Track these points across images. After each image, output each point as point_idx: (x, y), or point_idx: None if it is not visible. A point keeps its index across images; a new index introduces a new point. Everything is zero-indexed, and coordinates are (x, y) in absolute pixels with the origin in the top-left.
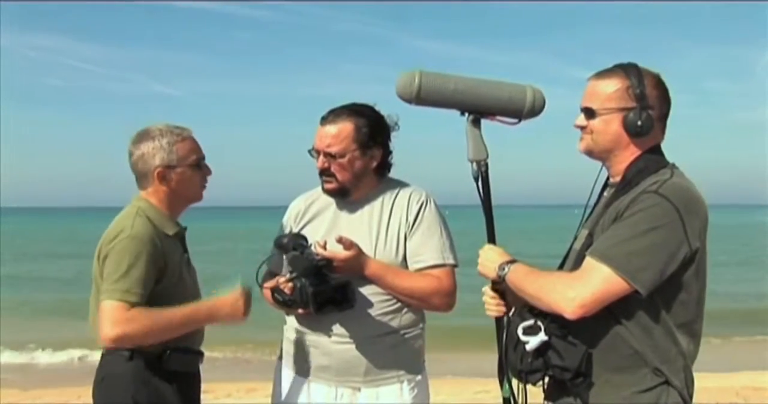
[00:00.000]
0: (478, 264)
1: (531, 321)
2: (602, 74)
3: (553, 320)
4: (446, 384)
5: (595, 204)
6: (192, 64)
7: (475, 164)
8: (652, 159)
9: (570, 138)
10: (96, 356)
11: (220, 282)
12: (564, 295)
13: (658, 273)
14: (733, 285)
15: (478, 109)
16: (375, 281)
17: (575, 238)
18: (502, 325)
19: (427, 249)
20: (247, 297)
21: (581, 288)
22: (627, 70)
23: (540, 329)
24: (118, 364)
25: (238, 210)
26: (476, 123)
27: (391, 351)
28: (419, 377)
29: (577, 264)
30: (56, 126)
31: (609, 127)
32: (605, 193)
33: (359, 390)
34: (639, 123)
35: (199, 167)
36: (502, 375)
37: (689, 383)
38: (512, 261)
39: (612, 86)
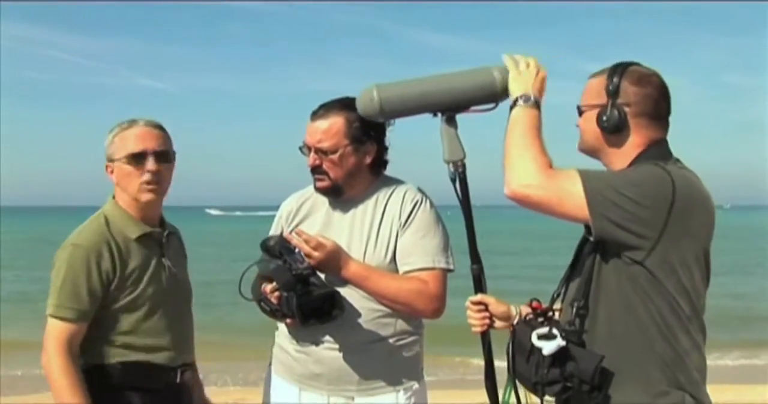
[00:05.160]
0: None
1: (545, 329)
2: (596, 73)
3: (567, 327)
4: (447, 395)
5: None
6: (180, 57)
7: (451, 165)
8: (654, 154)
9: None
10: None
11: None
12: (526, 174)
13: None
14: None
15: (449, 106)
16: (356, 283)
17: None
18: (487, 340)
19: (417, 251)
20: None
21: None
22: (615, 67)
23: (555, 336)
24: None
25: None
26: (451, 121)
27: (386, 359)
28: (416, 385)
29: (587, 274)
30: (33, 121)
31: (588, 124)
32: None
33: (353, 399)
34: (605, 118)
35: (135, 160)
36: (491, 387)
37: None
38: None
39: (595, 84)
